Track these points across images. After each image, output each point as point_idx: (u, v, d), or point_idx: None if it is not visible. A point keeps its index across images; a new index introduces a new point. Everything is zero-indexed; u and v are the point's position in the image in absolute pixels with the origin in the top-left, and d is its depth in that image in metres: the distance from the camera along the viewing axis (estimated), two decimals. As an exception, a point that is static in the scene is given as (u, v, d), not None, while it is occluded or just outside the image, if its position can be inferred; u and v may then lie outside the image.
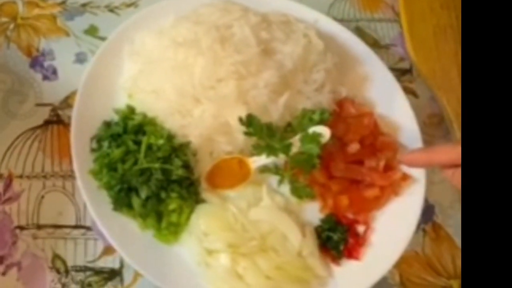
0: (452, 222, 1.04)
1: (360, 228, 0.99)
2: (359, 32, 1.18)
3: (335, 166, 0.99)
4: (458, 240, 1.03)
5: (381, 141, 1.03)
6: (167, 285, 0.90)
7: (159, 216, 0.94)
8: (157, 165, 0.94)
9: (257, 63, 0.98)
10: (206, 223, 0.94)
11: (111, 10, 1.16)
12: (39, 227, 0.97)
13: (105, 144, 0.97)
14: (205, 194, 0.97)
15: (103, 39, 1.10)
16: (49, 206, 0.98)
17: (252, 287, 0.91)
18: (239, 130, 0.97)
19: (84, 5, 1.16)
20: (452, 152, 0.79)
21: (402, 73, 1.15)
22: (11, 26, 1.12)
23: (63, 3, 1.15)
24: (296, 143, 0.97)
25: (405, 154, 0.88)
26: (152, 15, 1.08)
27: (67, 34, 1.13)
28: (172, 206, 0.94)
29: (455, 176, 0.80)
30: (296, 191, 0.98)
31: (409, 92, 1.13)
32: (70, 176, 1.00)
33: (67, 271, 0.95)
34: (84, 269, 0.95)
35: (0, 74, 1.07)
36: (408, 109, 1.06)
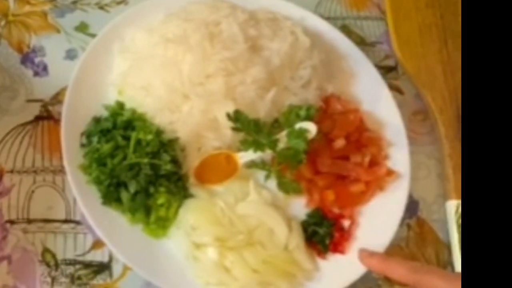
0: (436, 217, 1.05)
1: (346, 223, 1.00)
2: (346, 30, 1.19)
3: (321, 161, 1.00)
4: (442, 235, 1.04)
5: (367, 137, 1.04)
6: (156, 278, 0.92)
7: (147, 211, 0.95)
8: (146, 160, 0.95)
9: (245, 59, 1.00)
10: (194, 218, 0.95)
11: (101, 7, 1.16)
12: (29, 221, 0.97)
13: (95, 139, 0.98)
14: (193, 189, 0.99)
15: (93, 36, 1.10)
16: (39, 201, 0.99)
17: (239, 280, 0.92)
18: (227, 126, 0.98)
19: (74, 2, 1.16)
20: (402, 269, 0.83)
21: (387, 71, 1.16)
22: (2, 22, 1.13)
23: (53, 0, 1.16)
24: (283, 138, 0.99)
25: (366, 253, 0.92)
26: (142, 12, 1.09)
27: (58, 31, 1.13)
28: (161, 200, 0.95)
29: None
30: (283, 186, 0.99)
31: (395, 89, 1.14)
32: (60, 171, 1.00)
33: (57, 265, 0.95)
34: (73, 262, 0.96)
35: (-9, 71, 1.08)
36: (393, 105, 1.07)
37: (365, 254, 0.91)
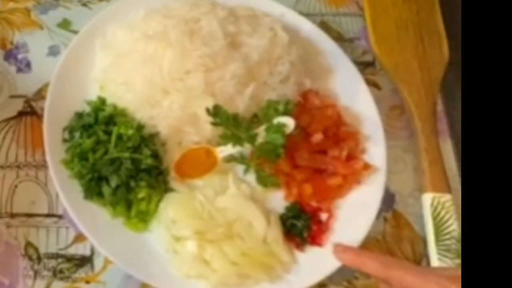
0: (412, 210, 1.06)
1: (323, 216, 1.01)
2: (324, 26, 1.19)
3: (299, 155, 1.01)
4: (417, 228, 1.05)
5: (344, 131, 1.05)
6: (137, 272, 0.93)
7: (128, 205, 0.96)
8: (126, 155, 0.96)
9: (224, 55, 1.01)
10: (174, 211, 0.96)
11: (84, 4, 1.17)
12: (12, 215, 0.99)
13: (77, 134, 0.99)
14: (174, 183, 0.99)
15: (75, 32, 1.11)
16: (22, 195, 1.00)
17: (218, 272, 0.93)
18: (206, 121, 0.99)
19: (57, -1, 1.18)
20: (375, 263, 0.83)
21: (365, 66, 1.17)
22: (-15, 20, 1.14)
23: (37, -3, 1.17)
24: (261, 133, 1.00)
25: (340, 248, 0.92)
26: (124, 9, 1.10)
27: (41, 28, 1.14)
28: (141, 194, 0.96)
29: None
30: (262, 180, 1.00)
31: (372, 84, 1.15)
32: (43, 166, 1.01)
33: (39, 258, 0.96)
34: (56, 256, 0.97)
35: (-25, 67, 1.09)
36: (371, 100, 1.08)
37: (339, 249, 0.91)
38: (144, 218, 0.97)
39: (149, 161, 0.97)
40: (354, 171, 1.02)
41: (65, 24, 1.15)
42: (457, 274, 0.76)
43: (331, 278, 0.97)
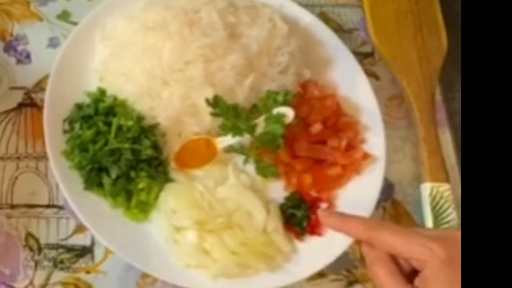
0: (411, 199, 1.07)
1: (323, 206, 1.01)
2: (324, 17, 1.20)
3: (298, 146, 1.02)
4: (416, 217, 1.06)
5: (343, 121, 1.05)
6: (137, 261, 0.93)
7: (128, 195, 0.96)
8: (127, 146, 0.96)
9: (223, 46, 1.01)
10: (174, 201, 0.96)
11: (83, -4, 1.17)
12: (13, 206, 0.99)
13: (77, 125, 0.99)
14: (174, 173, 1.00)
15: (75, 24, 1.11)
16: (23, 187, 1.00)
17: (219, 262, 0.93)
18: (206, 111, 0.99)
19: (57, -9, 1.17)
20: (358, 226, 0.82)
21: (364, 57, 1.18)
22: (-15, 11, 1.14)
23: (36, -12, 1.17)
24: (261, 123, 1.00)
25: (324, 213, 0.91)
26: (123, 0, 1.10)
27: (40, 19, 1.14)
28: (142, 185, 0.96)
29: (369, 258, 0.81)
30: (261, 170, 1.01)
31: (371, 74, 1.15)
32: (43, 157, 1.01)
33: (40, 249, 0.97)
34: (56, 246, 0.97)
35: (-26, 59, 1.09)
36: (370, 91, 1.09)
37: (324, 214, 0.90)
38: (144, 209, 0.97)
39: (149, 151, 0.97)
40: (353, 161, 1.03)
41: (64, 16, 1.15)
42: (439, 234, 0.77)
43: (330, 268, 0.98)
